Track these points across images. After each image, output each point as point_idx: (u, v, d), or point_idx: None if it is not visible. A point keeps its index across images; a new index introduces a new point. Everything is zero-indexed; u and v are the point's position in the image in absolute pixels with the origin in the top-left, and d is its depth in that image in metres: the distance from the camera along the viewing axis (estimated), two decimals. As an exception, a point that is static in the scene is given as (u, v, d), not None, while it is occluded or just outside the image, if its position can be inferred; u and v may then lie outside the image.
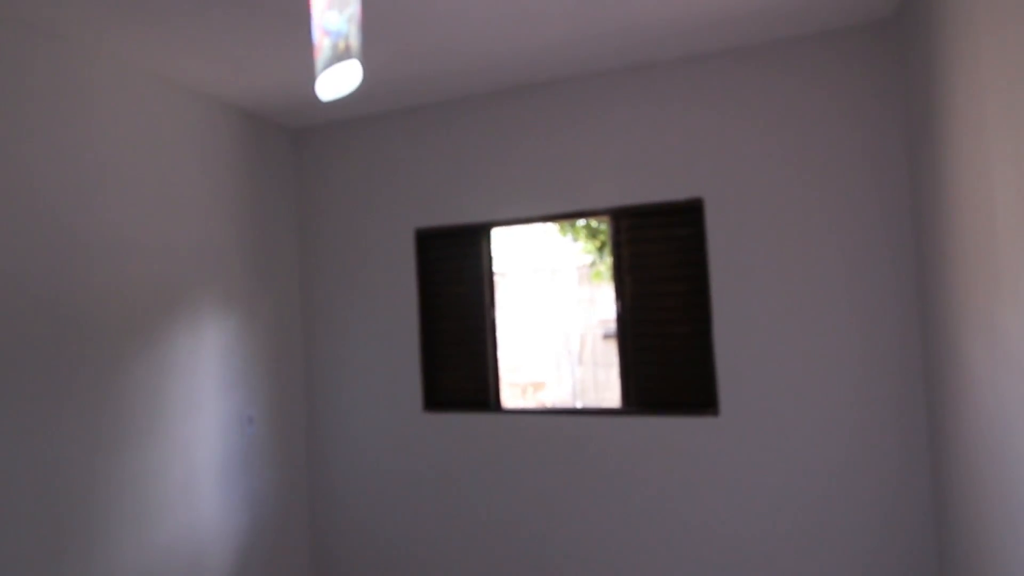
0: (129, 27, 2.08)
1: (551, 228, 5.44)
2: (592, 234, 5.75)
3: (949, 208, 1.91)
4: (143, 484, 2.33)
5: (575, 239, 5.91)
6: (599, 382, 6.22)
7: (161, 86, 2.52)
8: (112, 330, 2.26)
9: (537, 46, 2.42)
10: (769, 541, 2.44)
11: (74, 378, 2.11)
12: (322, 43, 1.25)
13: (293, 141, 3.32)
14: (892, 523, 2.30)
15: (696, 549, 2.53)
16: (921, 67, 2.09)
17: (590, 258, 5.83)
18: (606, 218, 2.77)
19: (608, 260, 2.89)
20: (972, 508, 1.85)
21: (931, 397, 2.20)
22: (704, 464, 2.53)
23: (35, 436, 1.98)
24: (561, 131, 2.79)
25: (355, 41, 1.24)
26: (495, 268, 3.03)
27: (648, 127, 2.65)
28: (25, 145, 2.00)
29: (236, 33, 2.17)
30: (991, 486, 1.70)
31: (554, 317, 5.98)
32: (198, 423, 2.60)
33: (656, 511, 2.59)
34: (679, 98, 2.61)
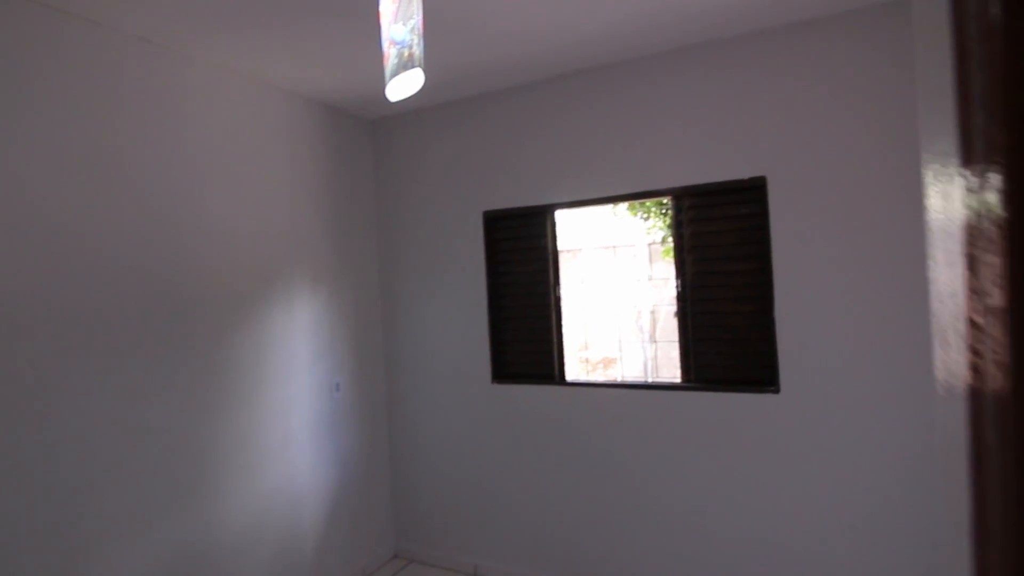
0: (226, 36, 2.35)
1: (621, 206, 5.47)
2: (663, 211, 5.72)
3: None
4: (249, 441, 2.67)
5: (645, 217, 5.89)
6: (671, 359, 6.20)
7: (253, 86, 2.80)
8: (218, 307, 2.58)
9: (597, 29, 2.48)
10: (827, 518, 2.46)
11: (187, 349, 2.44)
12: (389, 52, 1.41)
13: (371, 131, 3.56)
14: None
15: (754, 523, 2.59)
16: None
17: (661, 235, 5.80)
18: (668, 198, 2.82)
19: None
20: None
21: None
22: (764, 440, 2.57)
23: (156, 400, 2.31)
24: (623, 113, 2.84)
25: (418, 49, 1.40)
26: (561, 247, 3.15)
27: (710, 106, 2.66)
28: (144, 149, 2.32)
29: (320, 36, 2.38)
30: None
31: (625, 294, 6.01)
32: (292, 388, 2.92)
33: (715, 483, 2.66)
34: (741, 76, 2.59)
